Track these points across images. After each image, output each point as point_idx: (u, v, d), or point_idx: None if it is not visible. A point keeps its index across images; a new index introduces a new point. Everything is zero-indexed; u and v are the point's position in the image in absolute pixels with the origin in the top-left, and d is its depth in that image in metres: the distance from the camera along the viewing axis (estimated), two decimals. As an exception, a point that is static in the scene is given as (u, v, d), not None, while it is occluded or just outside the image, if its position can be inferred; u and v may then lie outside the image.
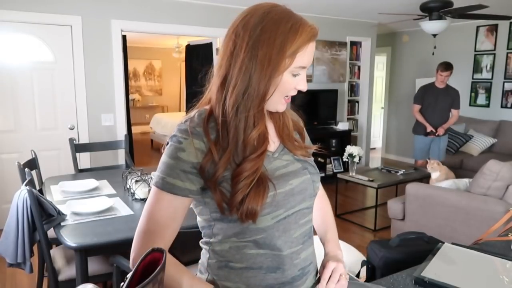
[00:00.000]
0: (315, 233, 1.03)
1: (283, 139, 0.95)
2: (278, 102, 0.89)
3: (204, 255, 0.95)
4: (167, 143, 0.86)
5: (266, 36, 0.82)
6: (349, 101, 6.10)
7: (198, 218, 0.95)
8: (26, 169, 2.41)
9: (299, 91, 0.90)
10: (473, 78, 5.86)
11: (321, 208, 1.12)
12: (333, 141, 5.57)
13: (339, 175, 4.28)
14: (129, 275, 0.77)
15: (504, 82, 5.54)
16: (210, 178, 0.83)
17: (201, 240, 0.97)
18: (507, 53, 5.45)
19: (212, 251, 0.91)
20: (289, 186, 0.90)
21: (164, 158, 0.85)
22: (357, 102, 6.24)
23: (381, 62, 7.31)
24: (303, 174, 0.94)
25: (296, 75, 0.86)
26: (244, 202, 0.81)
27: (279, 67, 0.82)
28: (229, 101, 0.83)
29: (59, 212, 1.99)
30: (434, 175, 3.69)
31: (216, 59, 0.88)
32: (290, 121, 0.99)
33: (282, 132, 0.96)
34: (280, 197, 0.87)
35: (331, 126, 5.71)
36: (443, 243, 1.34)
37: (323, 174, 5.15)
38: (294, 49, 0.82)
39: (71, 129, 3.90)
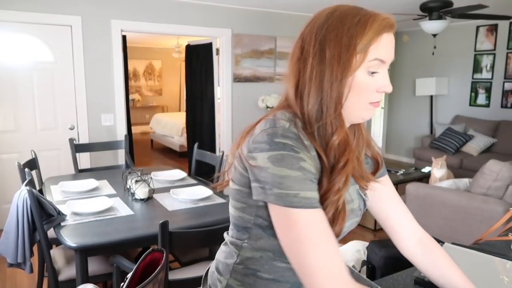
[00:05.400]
0: None
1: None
2: (360, 108, 0.80)
3: (230, 256, 0.88)
4: (268, 151, 0.72)
5: (332, 35, 0.76)
6: (349, 101, 6.10)
7: (236, 213, 0.85)
8: (26, 169, 2.41)
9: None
10: (473, 78, 5.86)
11: None
12: (333, 141, 5.56)
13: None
14: (129, 275, 0.77)
15: (504, 82, 5.54)
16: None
17: (229, 238, 0.90)
18: (507, 53, 5.45)
19: (241, 256, 0.85)
20: (344, 229, 0.83)
21: (282, 171, 0.70)
22: (357, 102, 6.23)
23: (381, 62, 7.30)
24: (356, 216, 0.87)
25: (374, 73, 0.77)
26: (335, 221, 0.76)
27: (351, 65, 0.75)
28: (307, 111, 0.77)
29: (59, 212, 1.99)
30: (439, 173, 3.66)
31: (287, 66, 0.84)
32: (364, 140, 0.90)
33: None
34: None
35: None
36: (443, 243, 1.34)
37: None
38: (365, 42, 0.75)
39: (71, 129, 3.90)
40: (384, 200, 0.98)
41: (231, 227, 0.89)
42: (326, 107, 0.76)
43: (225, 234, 0.94)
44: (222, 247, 0.93)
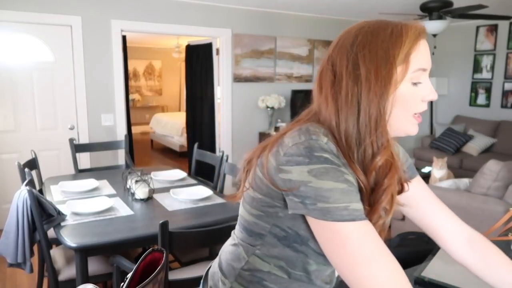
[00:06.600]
0: None
1: None
2: (406, 121, 0.76)
3: (237, 259, 0.85)
4: (309, 164, 0.67)
5: (366, 51, 0.72)
6: (349, 101, 6.09)
7: (251, 219, 0.82)
8: (26, 169, 2.41)
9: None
10: (473, 78, 5.86)
11: None
12: (333, 141, 5.56)
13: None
14: (129, 275, 0.76)
15: (504, 82, 5.54)
16: None
17: (239, 241, 0.86)
18: (507, 53, 5.45)
19: (249, 262, 0.83)
20: None
21: (328, 184, 0.66)
22: (357, 102, 6.22)
23: (381, 62, 7.30)
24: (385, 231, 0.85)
25: (417, 84, 0.74)
26: None
27: (391, 79, 0.71)
28: (345, 134, 0.73)
29: (59, 212, 1.99)
30: (439, 174, 3.66)
31: (314, 92, 0.81)
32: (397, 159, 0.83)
33: None
34: None
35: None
36: (443, 243, 1.34)
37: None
38: (405, 52, 0.71)
39: (71, 129, 3.90)
40: (420, 205, 0.93)
41: (241, 230, 0.86)
42: (365, 126, 0.72)
43: (233, 234, 0.91)
44: (230, 248, 0.89)
